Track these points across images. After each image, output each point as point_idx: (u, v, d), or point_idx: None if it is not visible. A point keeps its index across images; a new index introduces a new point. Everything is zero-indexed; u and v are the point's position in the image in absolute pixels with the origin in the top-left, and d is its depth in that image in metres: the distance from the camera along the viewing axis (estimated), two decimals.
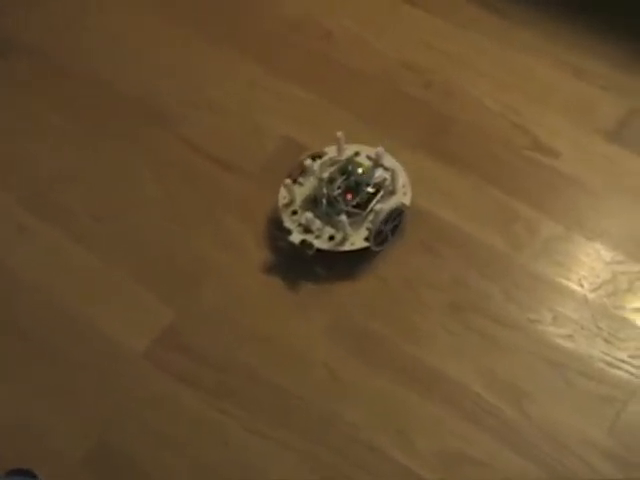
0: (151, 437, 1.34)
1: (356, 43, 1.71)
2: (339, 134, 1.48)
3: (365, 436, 1.31)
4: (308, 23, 1.74)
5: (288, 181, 1.48)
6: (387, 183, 1.46)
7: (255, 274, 1.46)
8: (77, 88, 1.70)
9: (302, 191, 1.48)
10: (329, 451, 1.31)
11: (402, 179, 1.48)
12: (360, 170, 1.46)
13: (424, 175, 1.52)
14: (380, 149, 1.47)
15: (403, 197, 1.46)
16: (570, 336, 1.37)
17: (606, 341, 1.37)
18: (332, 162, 1.49)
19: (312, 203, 1.47)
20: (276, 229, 1.47)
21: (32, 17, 1.81)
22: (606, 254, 1.44)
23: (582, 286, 1.42)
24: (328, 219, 1.44)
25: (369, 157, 1.49)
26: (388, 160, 1.48)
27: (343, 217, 1.40)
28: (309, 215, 1.43)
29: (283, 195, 1.48)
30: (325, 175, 1.46)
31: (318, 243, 1.42)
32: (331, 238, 1.43)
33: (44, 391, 1.39)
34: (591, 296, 1.41)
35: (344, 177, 1.46)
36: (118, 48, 1.75)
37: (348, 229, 1.41)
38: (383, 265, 1.45)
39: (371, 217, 1.43)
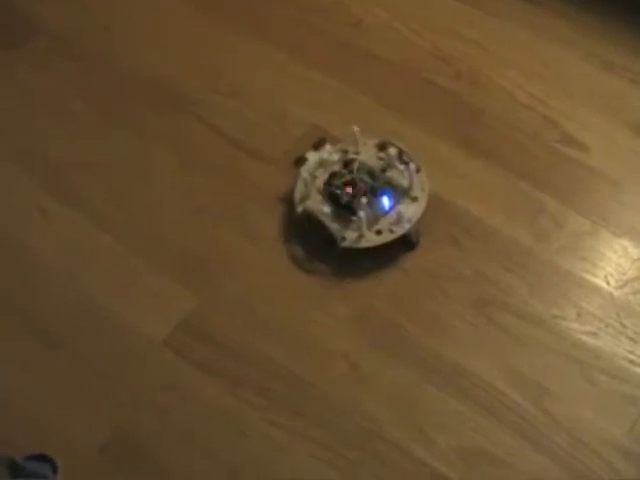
0: (168, 425, 1.33)
1: (386, 31, 1.69)
2: (356, 129, 1.46)
3: (384, 429, 1.31)
4: (338, 10, 1.73)
5: (306, 175, 1.46)
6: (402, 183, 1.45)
7: (277, 264, 1.45)
8: (100, 74, 1.70)
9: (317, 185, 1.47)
10: (347, 443, 1.30)
11: (421, 179, 1.45)
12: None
13: (450, 166, 1.51)
14: (401, 145, 1.46)
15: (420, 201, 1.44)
16: (594, 333, 1.36)
17: (630, 339, 1.35)
18: (343, 157, 1.48)
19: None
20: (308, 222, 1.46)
21: (55, 2, 1.80)
22: (633, 251, 1.43)
23: (608, 283, 1.40)
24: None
25: (380, 158, 1.47)
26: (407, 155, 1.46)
27: (361, 214, 1.39)
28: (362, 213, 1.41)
29: (300, 189, 1.47)
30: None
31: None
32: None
33: (62, 379, 1.39)
34: (617, 293, 1.39)
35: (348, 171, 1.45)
36: (142, 34, 1.75)
37: (363, 227, 1.40)
38: (407, 258, 1.43)
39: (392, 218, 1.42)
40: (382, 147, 1.48)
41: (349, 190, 1.43)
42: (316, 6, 1.74)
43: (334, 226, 1.41)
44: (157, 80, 1.67)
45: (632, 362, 1.33)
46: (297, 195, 1.46)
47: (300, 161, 1.47)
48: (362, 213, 1.39)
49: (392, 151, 1.46)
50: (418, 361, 1.35)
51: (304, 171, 1.46)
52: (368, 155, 1.47)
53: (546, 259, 1.43)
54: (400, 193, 1.44)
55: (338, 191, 1.43)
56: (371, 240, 1.41)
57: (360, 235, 1.41)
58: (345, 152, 1.48)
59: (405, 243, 1.42)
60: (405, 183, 1.44)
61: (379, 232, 1.41)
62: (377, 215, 1.42)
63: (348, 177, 1.44)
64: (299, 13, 1.73)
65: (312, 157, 1.47)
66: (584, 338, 1.36)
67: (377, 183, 1.44)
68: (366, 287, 1.42)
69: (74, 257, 1.49)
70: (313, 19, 1.72)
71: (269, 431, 1.31)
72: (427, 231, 1.44)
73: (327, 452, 1.29)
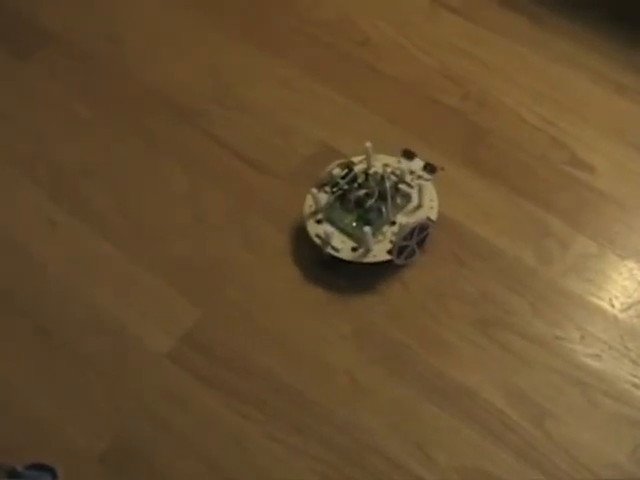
0: (169, 437, 1.32)
1: (393, 48, 1.69)
2: (368, 145, 1.46)
3: (383, 446, 1.30)
4: (345, 26, 1.73)
5: (314, 190, 1.46)
6: (413, 197, 1.45)
7: (280, 278, 1.45)
8: (107, 83, 1.70)
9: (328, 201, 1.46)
10: (345, 460, 1.29)
11: (429, 192, 1.45)
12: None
13: (456, 185, 1.51)
14: (419, 161, 1.47)
15: (430, 211, 1.44)
16: (597, 356, 1.35)
17: (634, 362, 1.34)
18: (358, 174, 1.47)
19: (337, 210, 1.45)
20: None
21: (66, 10, 1.82)
22: (639, 273, 1.42)
23: (613, 305, 1.39)
24: (350, 231, 1.42)
25: (394, 173, 1.47)
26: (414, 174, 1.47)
27: (367, 229, 1.39)
28: (329, 229, 1.41)
29: (309, 204, 1.46)
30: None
31: (342, 254, 1.41)
32: (354, 249, 1.41)
33: (64, 386, 1.38)
34: (621, 316, 1.38)
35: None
36: (150, 44, 1.75)
37: (371, 243, 1.39)
38: (409, 275, 1.43)
39: (396, 229, 1.41)
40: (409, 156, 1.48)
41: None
42: (324, 22, 1.74)
43: (340, 246, 1.41)
44: (164, 91, 1.67)
45: (635, 385, 1.32)
46: (306, 210, 1.46)
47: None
48: (367, 228, 1.39)
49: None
50: (419, 379, 1.34)
51: (314, 187, 1.46)
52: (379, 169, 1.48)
53: (551, 280, 1.42)
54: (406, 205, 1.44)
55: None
56: (376, 255, 1.41)
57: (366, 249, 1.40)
58: (349, 167, 1.48)
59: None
60: (415, 198, 1.44)
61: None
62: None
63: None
64: (307, 29, 1.73)
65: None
66: (587, 360, 1.35)
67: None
68: (368, 303, 1.41)
69: (77, 265, 1.49)
70: (321, 35, 1.72)
71: (268, 445, 1.30)
72: (431, 249, 1.44)
73: (325, 467, 1.28)
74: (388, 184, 1.43)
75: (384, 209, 1.42)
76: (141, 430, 1.33)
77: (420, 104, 1.63)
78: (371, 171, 1.46)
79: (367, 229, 1.38)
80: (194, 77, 1.69)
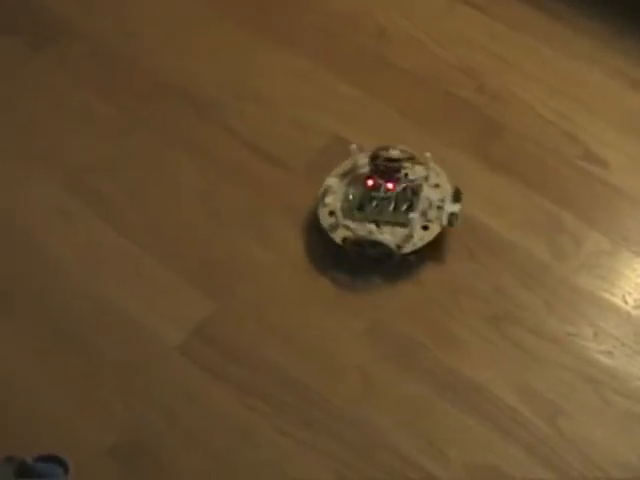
0: (178, 430, 1.33)
1: (409, 42, 1.69)
2: (353, 146, 1.46)
3: (394, 442, 1.29)
4: (362, 19, 1.72)
5: (321, 208, 1.45)
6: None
7: (294, 273, 1.45)
8: (122, 76, 1.70)
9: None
10: (356, 455, 1.29)
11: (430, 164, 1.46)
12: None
13: (470, 180, 1.50)
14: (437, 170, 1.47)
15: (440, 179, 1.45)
16: (610, 353, 1.34)
17: None
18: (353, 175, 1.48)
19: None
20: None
21: (80, 2, 1.81)
22: None
23: (626, 302, 1.39)
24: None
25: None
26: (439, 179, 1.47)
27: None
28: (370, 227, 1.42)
29: (325, 219, 1.45)
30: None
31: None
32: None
33: (74, 378, 1.38)
34: (634, 313, 1.37)
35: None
36: (166, 38, 1.75)
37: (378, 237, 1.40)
38: (423, 270, 1.43)
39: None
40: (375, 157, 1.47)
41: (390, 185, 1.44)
42: (341, 15, 1.73)
43: (387, 238, 1.40)
44: (178, 83, 1.67)
45: None
46: (326, 226, 1.45)
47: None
48: (413, 214, 1.39)
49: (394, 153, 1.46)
50: (430, 375, 1.34)
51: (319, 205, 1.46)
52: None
53: (564, 276, 1.41)
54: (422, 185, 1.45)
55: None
56: (423, 238, 1.40)
57: (409, 236, 1.40)
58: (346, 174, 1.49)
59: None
60: (423, 174, 1.46)
61: (425, 227, 1.41)
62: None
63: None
64: (323, 22, 1.73)
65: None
66: (600, 357, 1.34)
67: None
68: (381, 299, 1.41)
69: (89, 257, 1.50)
70: (337, 28, 1.71)
71: (277, 439, 1.30)
72: (444, 244, 1.43)
73: (335, 462, 1.28)
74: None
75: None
76: (150, 423, 1.34)
77: (435, 97, 1.62)
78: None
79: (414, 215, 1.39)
80: (208, 70, 1.69)
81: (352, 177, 1.47)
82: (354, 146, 1.46)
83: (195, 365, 1.37)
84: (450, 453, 1.28)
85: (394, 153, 1.44)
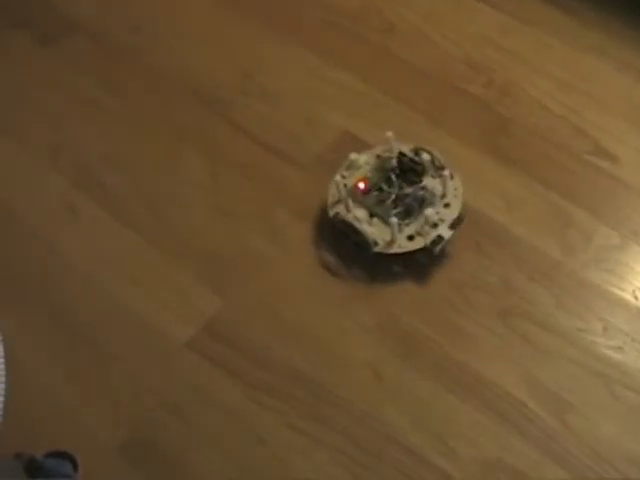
0: (188, 426, 1.33)
1: (418, 37, 1.68)
2: (389, 134, 1.46)
3: (404, 437, 1.30)
4: (370, 14, 1.72)
5: (338, 178, 1.45)
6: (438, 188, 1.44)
7: (303, 269, 1.45)
8: (131, 72, 1.70)
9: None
10: (366, 451, 1.29)
11: (455, 183, 1.45)
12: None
13: (478, 174, 1.50)
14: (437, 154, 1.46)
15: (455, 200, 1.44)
16: (620, 348, 1.34)
17: None
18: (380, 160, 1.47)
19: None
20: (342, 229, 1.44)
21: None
22: None
23: (636, 297, 1.38)
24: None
25: (417, 162, 1.46)
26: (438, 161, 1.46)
27: (393, 220, 1.39)
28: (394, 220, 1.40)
29: (332, 193, 1.45)
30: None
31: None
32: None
33: (85, 375, 1.39)
34: None
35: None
36: (173, 34, 1.75)
37: (395, 233, 1.39)
38: (432, 266, 1.42)
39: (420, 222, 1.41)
40: (415, 153, 1.47)
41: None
42: (349, 10, 1.73)
43: (368, 229, 1.40)
44: (187, 79, 1.67)
45: None
46: (330, 199, 1.45)
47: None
48: (394, 219, 1.38)
49: (425, 157, 1.46)
50: (440, 370, 1.34)
51: (337, 174, 1.45)
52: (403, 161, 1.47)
53: (573, 271, 1.41)
54: (433, 199, 1.43)
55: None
56: (403, 246, 1.40)
57: (392, 240, 1.40)
58: (379, 157, 1.48)
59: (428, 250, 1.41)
60: (439, 190, 1.43)
61: (411, 237, 1.40)
62: (409, 220, 1.41)
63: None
64: (331, 17, 1.73)
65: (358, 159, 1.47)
66: (609, 352, 1.34)
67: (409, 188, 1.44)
68: (390, 294, 1.41)
69: (98, 253, 1.50)
70: (345, 23, 1.71)
71: (287, 435, 1.31)
72: (453, 239, 1.43)
73: (345, 458, 1.28)
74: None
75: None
76: (160, 419, 1.34)
77: (443, 92, 1.62)
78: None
79: (393, 220, 1.38)
80: (217, 66, 1.69)
81: (380, 162, 1.47)
82: (390, 133, 1.46)
83: (205, 361, 1.37)
84: (459, 448, 1.28)
85: (424, 157, 1.45)
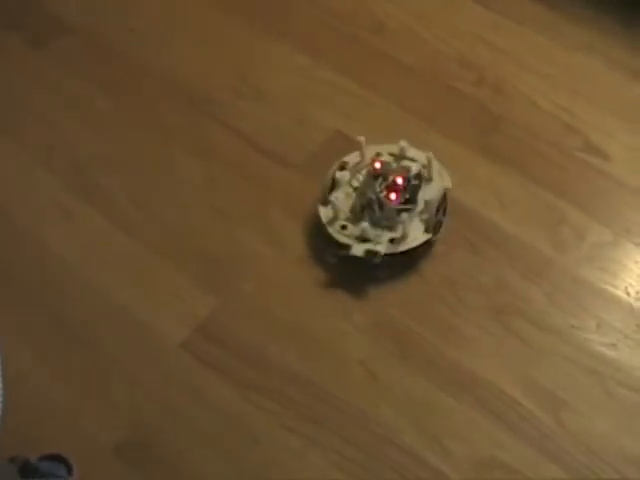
0: (184, 427, 1.33)
1: (409, 36, 1.69)
2: (361, 139, 1.46)
3: (399, 437, 1.30)
4: (360, 14, 1.73)
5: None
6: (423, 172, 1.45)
7: (296, 270, 1.45)
8: (124, 73, 1.70)
9: (345, 204, 1.45)
10: (360, 450, 1.29)
11: (436, 165, 1.45)
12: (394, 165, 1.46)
13: (471, 172, 1.50)
14: (403, 143, 1.45)
15: (442, 181, 1.44)
16: (613, 345, 1.35)
17: None
18: (358, 168, 1.47)
19: (360, 213, 1.44)
20: (331, 247, 1.43)
21: (82, 2, 1.81)
22: None
23: (628, 294, 1.39)
24: (383, 223, 1.42)
25: (392, 154, 1.47)
26: (413, 152, 1.46)
27: (404, 215, 1.39)
28: (365, 225, 1.40)
29: (325, 213, 1.45)
30: (357, 183, 1.46)
31: (383, 249, 1.40)
32: (391, 240, 1.40)
33: (80, 377, 1.39)
34: (637, 305, 1.38)
35: (380, 179, 1.44)
36: (166, 35, 1.75)
37: (407, 227, 1.39)
38: (425, 265, 1.43)
39: (420, 208, 1.41)
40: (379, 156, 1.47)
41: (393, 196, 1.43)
42: (340, 11, 1.73)
43: (358, 249, 1.40)
44: (180, 81, 1.67)
45: None
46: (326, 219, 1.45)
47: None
48: (404, 215, 1.40)
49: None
50: (434, 369, 1.34)
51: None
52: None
53: (566, 269, 1.41)
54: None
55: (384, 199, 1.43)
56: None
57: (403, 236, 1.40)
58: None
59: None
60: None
61: (392, 240, 1.41)
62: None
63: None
64: (323, 17, 1.73)
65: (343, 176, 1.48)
66: (603, 349, 1.34)
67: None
68: (384, 294, 1.41)
69: (92, 254, 1.50)
70: (337, 23, 1.71)
71: (283, 436, 1.31)
72: (446, 237, 1.43)
73: (340, 458, 1.28)
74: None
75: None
76: (155, 420, 1.34)
77: (435, 91, 1.62)
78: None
79: (404, 216, 1.39)
80: (211, 67, 1.69)
81: (357, 171, 1.48)
82: (362, 138, 1.46)
83: (199, 362, 1.37)
84: (454, 447, 1.28)
85: (399, 180, 1.44)
